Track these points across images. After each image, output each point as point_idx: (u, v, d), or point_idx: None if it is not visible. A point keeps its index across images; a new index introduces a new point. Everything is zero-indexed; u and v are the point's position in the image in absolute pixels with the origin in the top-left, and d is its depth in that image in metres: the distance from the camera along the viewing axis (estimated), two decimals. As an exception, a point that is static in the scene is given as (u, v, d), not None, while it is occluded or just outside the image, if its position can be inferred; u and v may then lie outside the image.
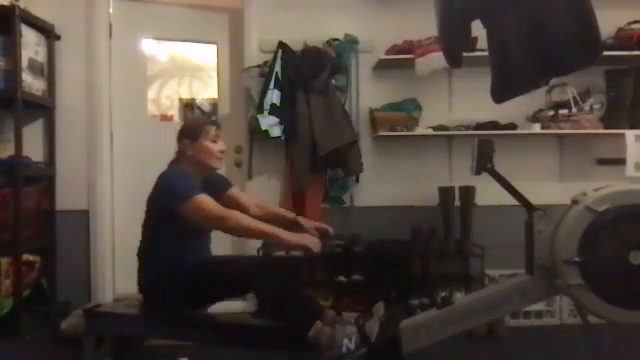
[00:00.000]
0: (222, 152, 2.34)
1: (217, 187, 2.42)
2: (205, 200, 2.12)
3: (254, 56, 3.44)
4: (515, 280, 2.26)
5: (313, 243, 2.11)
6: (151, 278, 2.25)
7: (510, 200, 2.26)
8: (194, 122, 2.43)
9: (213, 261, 2.30)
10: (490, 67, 1.98)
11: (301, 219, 2.48)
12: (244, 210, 2.39)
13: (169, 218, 2.16)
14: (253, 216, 2.32)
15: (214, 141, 2.32)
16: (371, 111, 3.43)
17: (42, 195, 3.28)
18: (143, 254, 2.32)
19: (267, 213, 2.47)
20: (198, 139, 2.30)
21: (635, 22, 3.27)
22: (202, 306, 2.34)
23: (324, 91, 3.27)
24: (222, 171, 3.61)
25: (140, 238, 2.34)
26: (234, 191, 2.51)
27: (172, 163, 2.37)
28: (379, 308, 2.16)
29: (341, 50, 3.36)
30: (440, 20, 2.06)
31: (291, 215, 2.51)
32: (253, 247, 3.30)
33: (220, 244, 3.51)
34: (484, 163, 2.29)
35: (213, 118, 2.54)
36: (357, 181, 3.42)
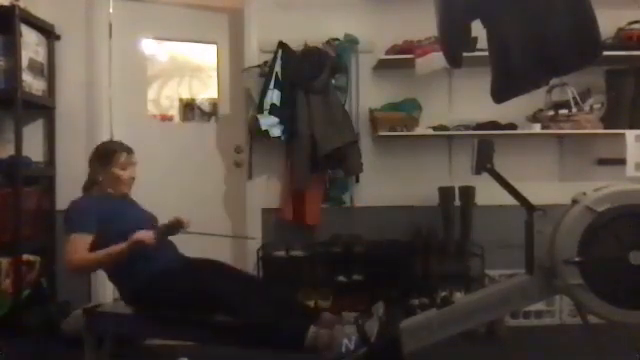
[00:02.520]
0: (132, 179, 2.41)
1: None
2: (75, 243, 2.17)
3: (254, 56, 3.44)
4: (515, 280, 2.26)
5: (145, 236, 2.13)
6: (131, 292, 2.29)
7: (510, 200, 2.26)
8: (106, 146, 2.46)
9: (194, 282, 2.25)
10: (490, 67, 1.98)
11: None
12: None
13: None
14: None
15: (124, 168, 2.36)
16: (371, 111, 3.43)
17: (42, 195, 3.28)
18: (112, 275, 2.37)
19: None
20: (108, 165, 2.35)
21: (635, 22, 3.27)
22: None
23: (324, 91, 3.27)
24: (222, 171, 3.66)
25: None
26: None
27: (84, 188, 2.43)
28: (379, 308, 2.16)
29: (341, 50, 3.36)
30: (440, 20, 2.06)
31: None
32: (253, 249, 3.32)
33: (220, 246, 3.52)
34: (484, 163, 2.29)
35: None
36: (357, 181, 3.42)
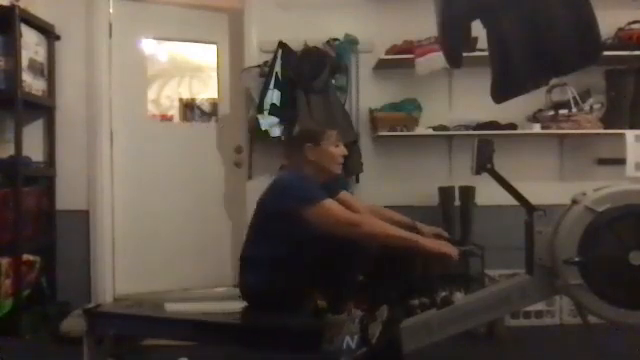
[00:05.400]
0: (343, 157, 2.32)
1: (330, 190, 2.33)
2: (334, 205, 2.08)
3: (254, 56, 3.44)
4: (515, 280, 2.26)
5: (452, 250, 2.04)
6: (257, 281, 2.18)
7: (510, 200, 2.26)
8: (313, 128, 2.40)
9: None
10: (490, 67, 1.98)
11: (419, 225, 2.42)
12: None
13: (284, 221, 2.10)
14: None
15: (336, 145, 2.30)
16: (371, 111, 3.43)
17: (42, 195, 3.28)
18: (249, 256, 2.27)
19: (386, 219, 2.33)
20: (321, 143, 2.27)
21: (635, 22, 3.27)
22: (303, 303, 2.25)
23: (324, 91, 3.27)
24: (222, 171, 3.66)
25: (246, 240, 2.30)
26: (346, 195, 2.47)
27: (288, 167, 2.35)
28: (383, 312, 2.16)
29: (341, 50, 3.36)
30: (440, 20, 2.06)
31: (409, 221, 2.44)
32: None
33: (220, 246, 3.53)
34: (484, 163, 2.29)
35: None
36: (357, 181, 3.42)
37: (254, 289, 2.21)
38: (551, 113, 3.25)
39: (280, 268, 2.13)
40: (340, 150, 2.31)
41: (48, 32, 3.31)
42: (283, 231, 2.13)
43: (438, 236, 2.34)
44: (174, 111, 4.64)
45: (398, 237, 2.04)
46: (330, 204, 2.08)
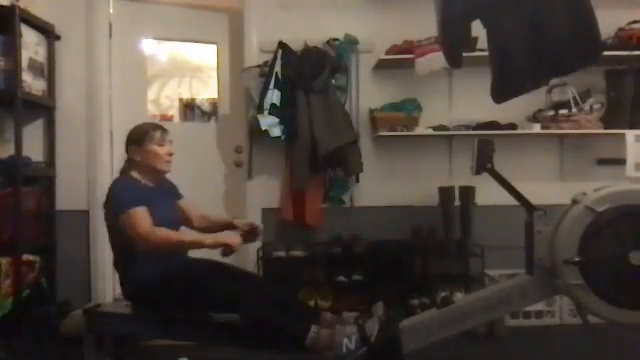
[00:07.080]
0: (170, 155, 2.41)
1: (171, 194, 2.51)
2: (138, 215, 2.15)
3: (254, 56, 3.44)
4: (515, 280, 2.27)
5: (231, 240, 2.18)
6: (133, 289, 2.27)
7: (510, 200, 2.26)
8: (139, 128, 2.45)
9: (195, 279, 2.25)
10: (490, 67, 1.98)
11: (236, 221, 2.52)
12: (189, 221, 2.51)
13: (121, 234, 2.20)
14: (196, 227, 2.50)
15: (161, 145, 2.37)
16: (371, 111, 3.43)
17: (42, 195, 3.28)
18: (117, 265, 2.35)
19: (210, 222, 2.55)
20: (144, 144, 2.35)
21: (635, 22, 3.27)
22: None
23: (324, 91, 3.27)
24: (222, 171, 3.66)
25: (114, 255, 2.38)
26: (182, 202, 2.56)
27: (122, 171, 2.42)
28: (379, 308, 2.17)
29: (341, 50, 3.36)
30: (440, 20, 2.06)
31: (227, 220, 2.60)
32: (253, 249, 3.31)
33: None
34: (484, 163, 2.29)
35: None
36: (357, 181, 3.42)
37: (133, 296, 2.30)
38: (551, 113, 3.25)
39: (146, 273, 2.20)
40: (165, 149, 2.39)
41: (48, 32, 3.31)
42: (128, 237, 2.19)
43: (251, 227, 2.43)
44: (174, 111, 4.63)
45: (180, 242, 2.23)
46: (135, 214, 2.15)
